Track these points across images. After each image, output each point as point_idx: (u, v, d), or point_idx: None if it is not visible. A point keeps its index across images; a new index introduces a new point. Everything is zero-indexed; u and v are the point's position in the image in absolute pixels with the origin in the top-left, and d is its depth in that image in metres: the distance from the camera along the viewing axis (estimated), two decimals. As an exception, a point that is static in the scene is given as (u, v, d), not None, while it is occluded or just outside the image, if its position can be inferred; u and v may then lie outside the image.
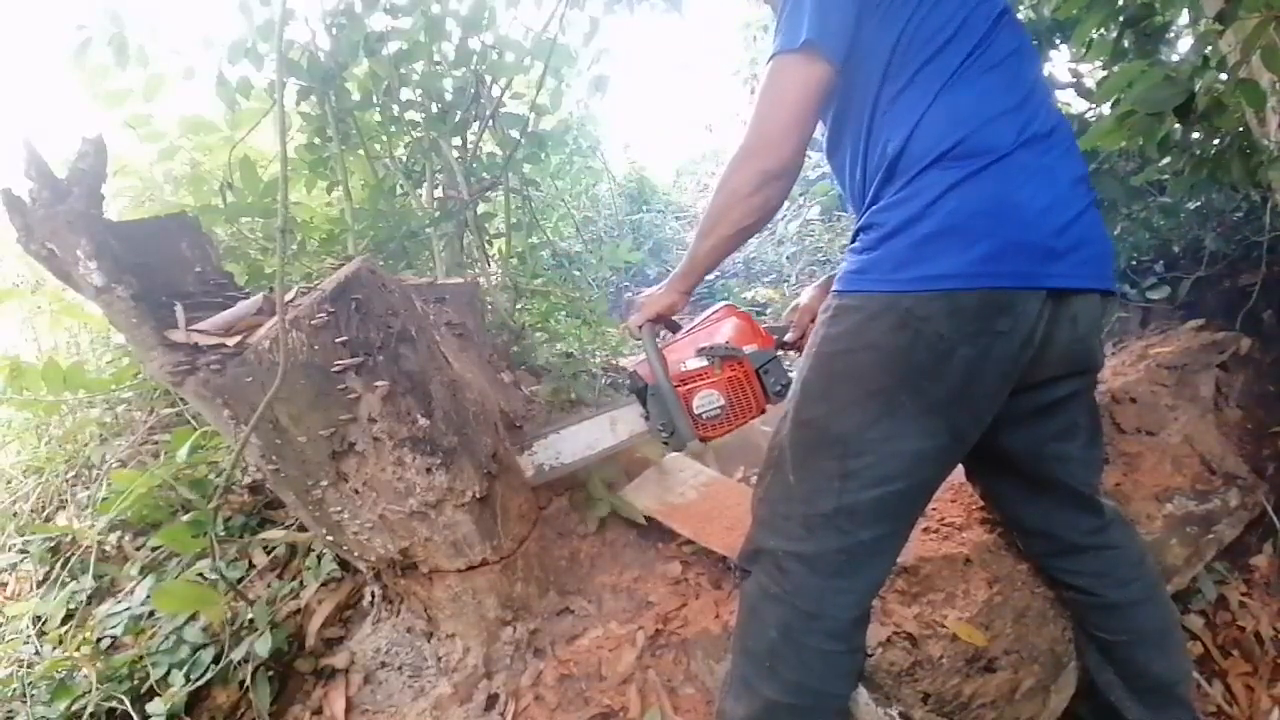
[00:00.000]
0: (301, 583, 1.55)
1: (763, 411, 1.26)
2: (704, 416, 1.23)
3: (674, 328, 1.37)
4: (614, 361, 2.51)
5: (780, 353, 1.30)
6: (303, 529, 1.60)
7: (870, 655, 1.19)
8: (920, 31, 0.97)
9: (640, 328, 1.26)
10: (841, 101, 1.07)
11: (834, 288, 1.05)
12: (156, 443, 2.01)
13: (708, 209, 1.12)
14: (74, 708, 1.33)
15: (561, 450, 1.42)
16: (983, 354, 0.95)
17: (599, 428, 1.40)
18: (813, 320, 1.31)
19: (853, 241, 1.05)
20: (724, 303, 1.36)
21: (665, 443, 1.25)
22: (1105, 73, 1.90)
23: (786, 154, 1.02)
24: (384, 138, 2.55)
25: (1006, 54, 1.00)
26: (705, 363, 1.23)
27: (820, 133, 1.16)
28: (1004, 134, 0.95)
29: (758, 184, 1.04)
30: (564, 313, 2.80)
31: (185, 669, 1.36)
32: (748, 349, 1.24)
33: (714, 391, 1.22)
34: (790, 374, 1.25)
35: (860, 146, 1.04)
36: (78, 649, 1.46)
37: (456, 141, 2.48)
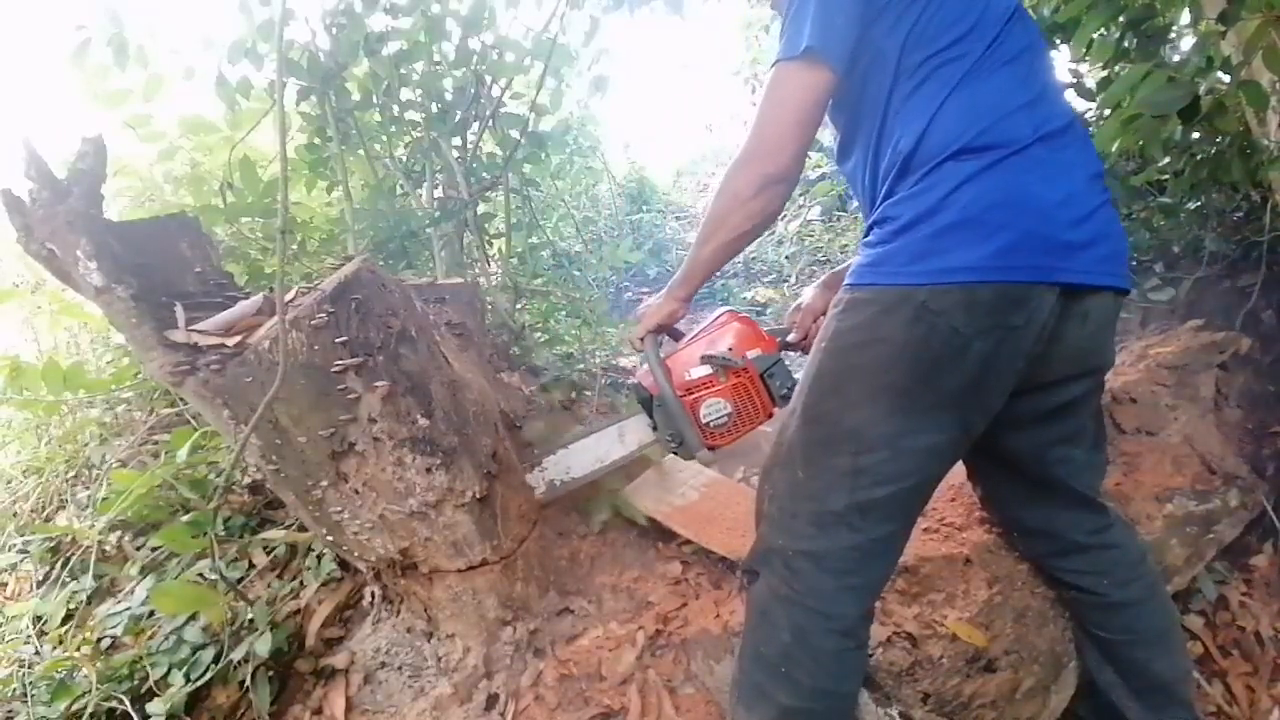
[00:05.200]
0: (301, 583, 1.55)
1: (770, 416, 1.25)
2: (711, 425, 1.22)
3: (676, 336, 1.36)
4: (614, 361, 2.51)
5: (784, 355, 1.30)
6: (303, 529, 1.60)
7: (870, 655, 1.19)
8: (930, 29, 0.97)
9: (642, 340, 1.25)
10: (854, 106, 1.07)
11: (846, 281, 1.04)
12: (156, 443, 2.01)
13: (707, 214, 1.11)
14: (74, 708, 1.32)
15: (572, 465, 1.42)
16: (996, 348, 0.94)
17: (608, 440, 1.40)
18: (815, 321, 1.31)
19: (866, 235, 1.04)
20: (726, 308, 1.36)
21: (674, 452, 1.25)
22: (1105, 73, 1.90)
23: (787, 159, 1.02)
24: (384, 138, 2.55)
25: (1020, 50, 0.99)
26: (710, 371, 1.23)
27: (831, 137, 1.16)
28: (1021, 128, 0.94)
29: (758, 188, 1.04)
30: (564, 313, 2.81)
31: (185, 669, 1.36)
32: (751, 354, 1.23)
33: (720, 400, 1.21)
34: (795, 376, 1.25)
35: (871, 148, 1.04)
36: (78, 649, 1.45)
37: (456, 141, 2.48)
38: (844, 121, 1.13)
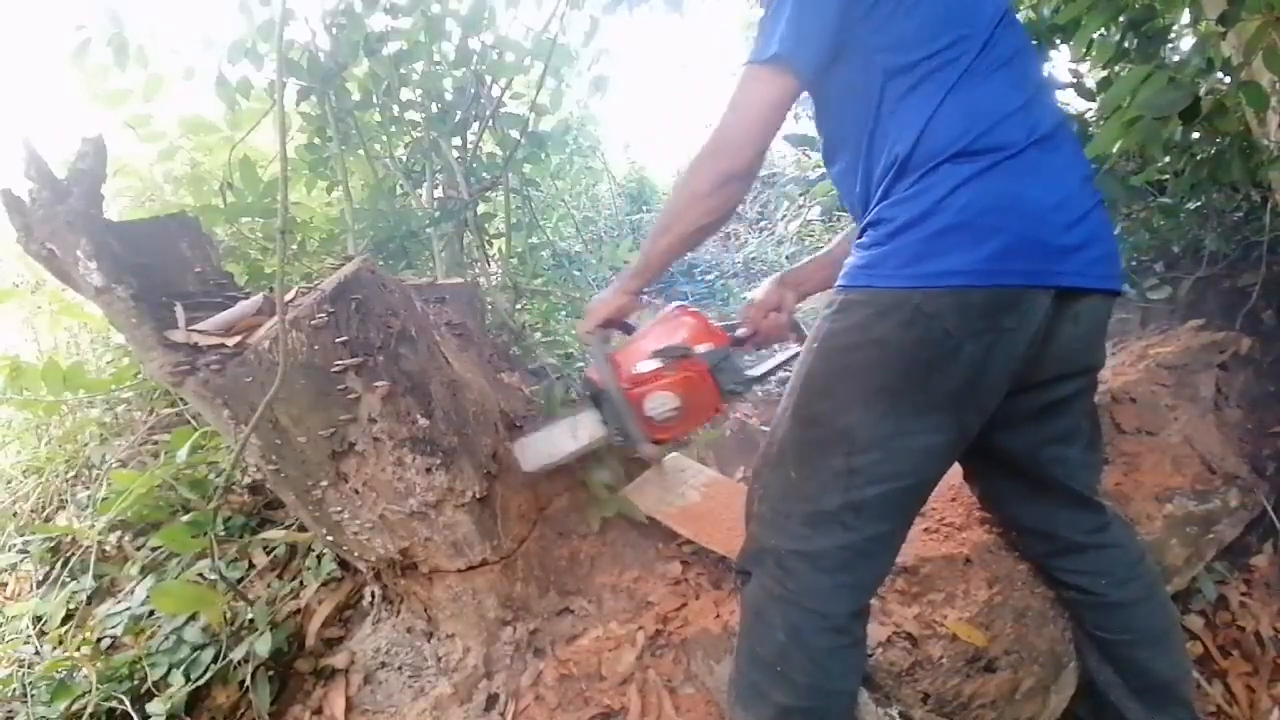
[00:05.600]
0: (301, 583, 1.55)
1: (718, 411, 1.24)
2: (657, 419, 1.21)
3: (628, 330, 1.34)
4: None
5: (735, 350, 1.28)
6: (303, 529, 1.60)
7: (870, 655, 1.19)
8: (921, 31, 0.97)
9: (590, 333, 1.24)
10: (839, 109, 1.07)
11: (839, 282, 1.04)
12: (156, 443, 2.01)
13: (665, 208, 1.13)
14: (74, 708, 1.33)
15: (524, 458, 1.41)
16: (989, 350, 0.94)
17: (559, 433, 1.38)
18: (766, 316, 1.31)
19: (860, 237, 1.04)
20: (676, 303, 1.35)
21: (622, 446, 1.23)
22: (1105, 73, 1.90)
23: (746, 158, 1.05)
24: (384, 138, 2.55)
25: (1012, 54, 0.99)
26: (658, 364, 1.21)
27: (817, 143, 1.16)
28: (1016, 132, 0.95)
29: (717, 184, 1.06)
30: (564, 313, 2.80)
31: (185, 669, 1.36)
32: (700, 348, 1.22)
33: (667, 393, 1.20)
34: (745, 371, 1.24)
35: (862, 151, 1.04)
36: (78, 649, 1.46)
37: (456, 141, 2.48)
38: (829, 125, 1.13)
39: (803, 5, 0.98)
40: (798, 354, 1.43)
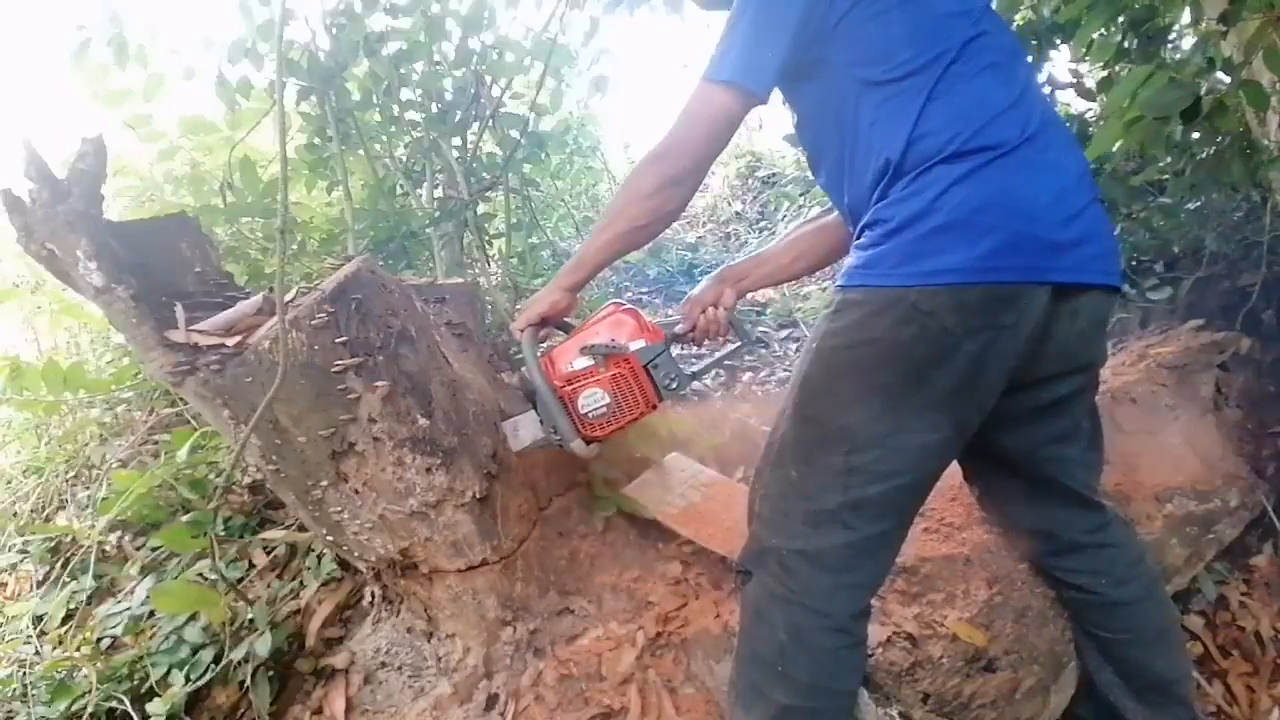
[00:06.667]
0: (301, 583, 1.55)
1: (654, 408, 1.23)
2: (590, 416, 1.20)
3: (565, 329, 1.33)
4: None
5: (673, 347, 1.27)
6: (303, 529, 1.60)
7: (870, 655, 1.19)
8: (893, 44, 0.97)
9: (522, 331, 1.23)
10: (816, 124, 1.09)
11: (838, 283, 1.05)
12: (156, 443, 2.01)
13: (607, 207, 1.15)
14: (74, 708, 1.33)
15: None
16: (986, 348, 0.95)
17: (509, 429, 1.39)
18: (703, 312, 1.32)
19: (858, 238, 1.05)
20: (611, 300, 1.34)
21: (559, 446, 1.23)
22: (1105, 73, 1.90)
23: (689, 164, 1.07)
24: (384, 138, 2.55)
25: (996, 53, 1.00)
26: (590, 362, 1.21)
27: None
28: (1007, 130, 0.95)
29: (659, 186, 1.07)
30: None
31: (185, 669, 1.36)
32: (634, 345, 1.21)
33: (598, 390, 1.20)
34: (683, 368, 1.24)
35: (845, 162, 1.04)
36: (78, 649, 1.46)
37: (456, 141, 2.48)
38: (809, 139, 1.15)
39: (757, 26, 1.00)
40: (736, 349, 1.44)
